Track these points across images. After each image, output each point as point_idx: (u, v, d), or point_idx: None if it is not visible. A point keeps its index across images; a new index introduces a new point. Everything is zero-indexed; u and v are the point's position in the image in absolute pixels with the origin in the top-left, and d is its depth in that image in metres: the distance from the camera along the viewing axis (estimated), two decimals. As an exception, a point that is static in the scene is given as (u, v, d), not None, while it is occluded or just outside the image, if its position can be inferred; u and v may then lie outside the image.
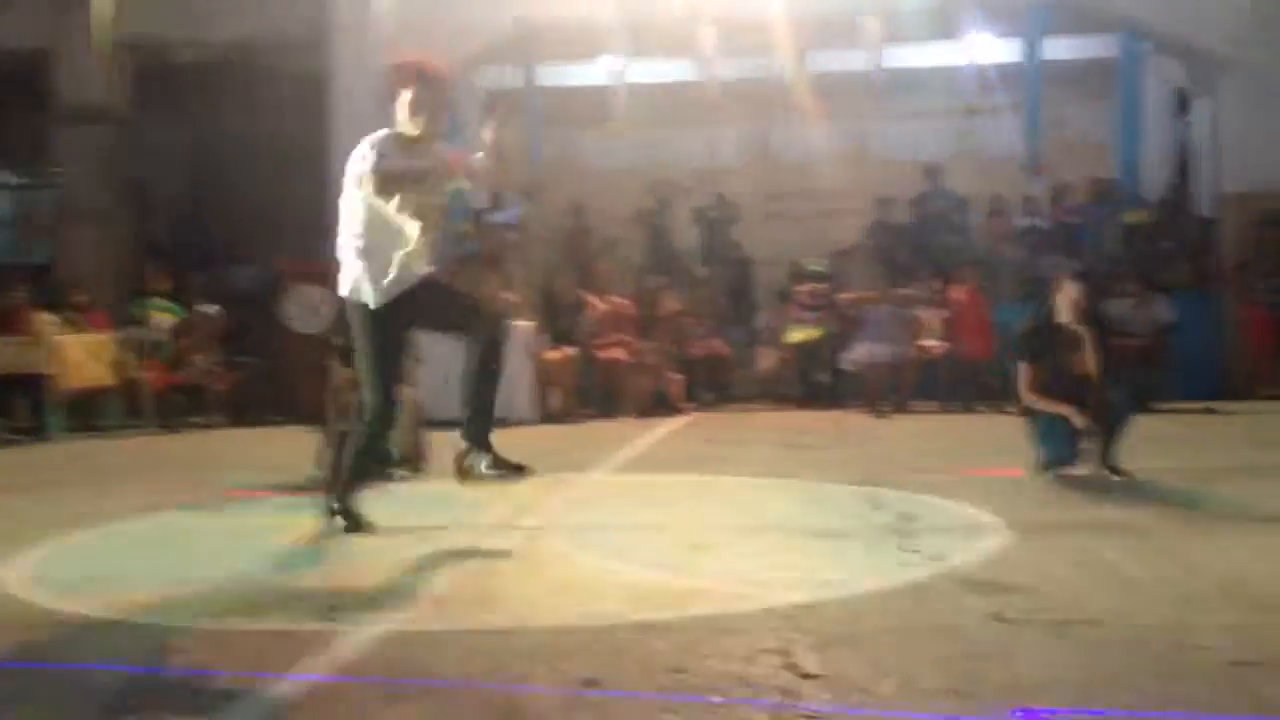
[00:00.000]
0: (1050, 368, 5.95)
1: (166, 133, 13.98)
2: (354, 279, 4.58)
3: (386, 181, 4.43)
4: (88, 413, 10.82)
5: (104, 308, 11.28)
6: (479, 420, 4.65)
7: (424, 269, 4.61)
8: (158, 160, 13.72)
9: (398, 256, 4.51)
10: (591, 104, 13.41)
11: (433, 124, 4.61)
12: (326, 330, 10.25)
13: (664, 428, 9.51)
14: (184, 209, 13.98)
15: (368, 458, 4.84)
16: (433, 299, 4.62)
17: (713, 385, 11.55)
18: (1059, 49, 12.55)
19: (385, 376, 4.65)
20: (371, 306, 4.53)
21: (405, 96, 4.56)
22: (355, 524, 4.69)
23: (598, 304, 11.29)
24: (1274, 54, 11.15)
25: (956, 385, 10.55)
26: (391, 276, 4.51)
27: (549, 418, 10.17)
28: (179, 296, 11.76)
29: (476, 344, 4.63)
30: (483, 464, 4.61)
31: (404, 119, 4.58)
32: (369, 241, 4.53)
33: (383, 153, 4.45)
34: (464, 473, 4.64)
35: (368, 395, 4.70)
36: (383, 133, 4.59)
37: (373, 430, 4.77)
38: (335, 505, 4.73)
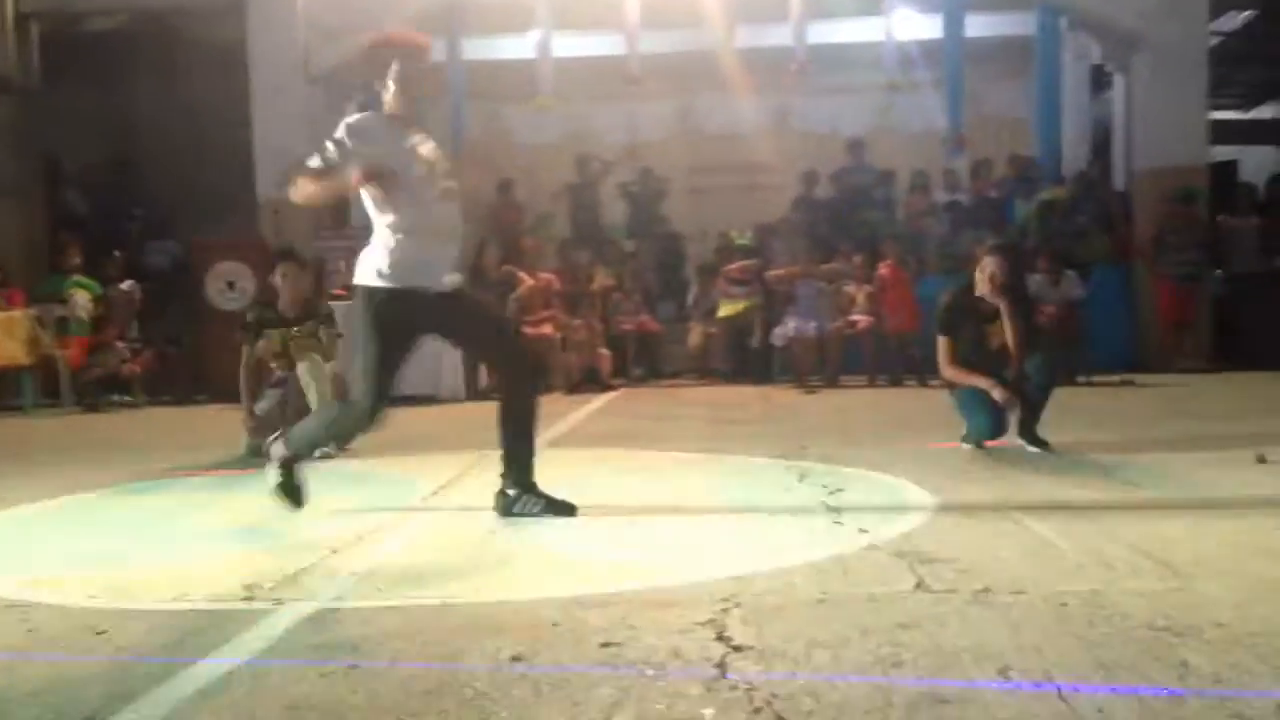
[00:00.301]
0: (969, 341, 6.03)
1: (79, 104, 13.61)
2: (367, 263, 4.27)
3: (301, 180, 4.22)
4: (3, 392, 10.57)
5: (18, 284, 10.99)
6: (516, 463, 4.41)
7: (450, 279, 4.35)
8: (70, 132, 13.35)
9: (419, 250, 4.24)
10: (518, 78, 13.30)
11: (412, 101, 4.38)
12: (244, 307, 10.14)
13: (594, 404, 9.51)
14: (99, 182, 13.63)
15: (331, 439, 4.75)
16: (454, 310, 4.35)
17: (642, 361, 11.57)
18: (978, 26, 12.71)
19: (379, 379, 4.27)
20: (379, 292, 4.21)
21: (391, 71, 4.31)
22: (292, 492, 4.44)
23: (527, 279, 11.23)
24: (1185, 30, 11.38)
25: (883, 359, 10.68)
26: (409, 267, 4.22)
27: (477, 394, 10.11)
28: (95, 272, 11.51)
29: (503, 380, 4.44)
30: (527, 505, 4.39)
31: (389, 98, 4.33)
32: (387, 228, 4.24)
33: (358, 134, 4.19)
34: (505, 511, 4.40)
35: (356, 393, 4.36)
36: (367, 114, 4.38)
37: (350, 428, 4.58)
38: (278, 459, 4.44)
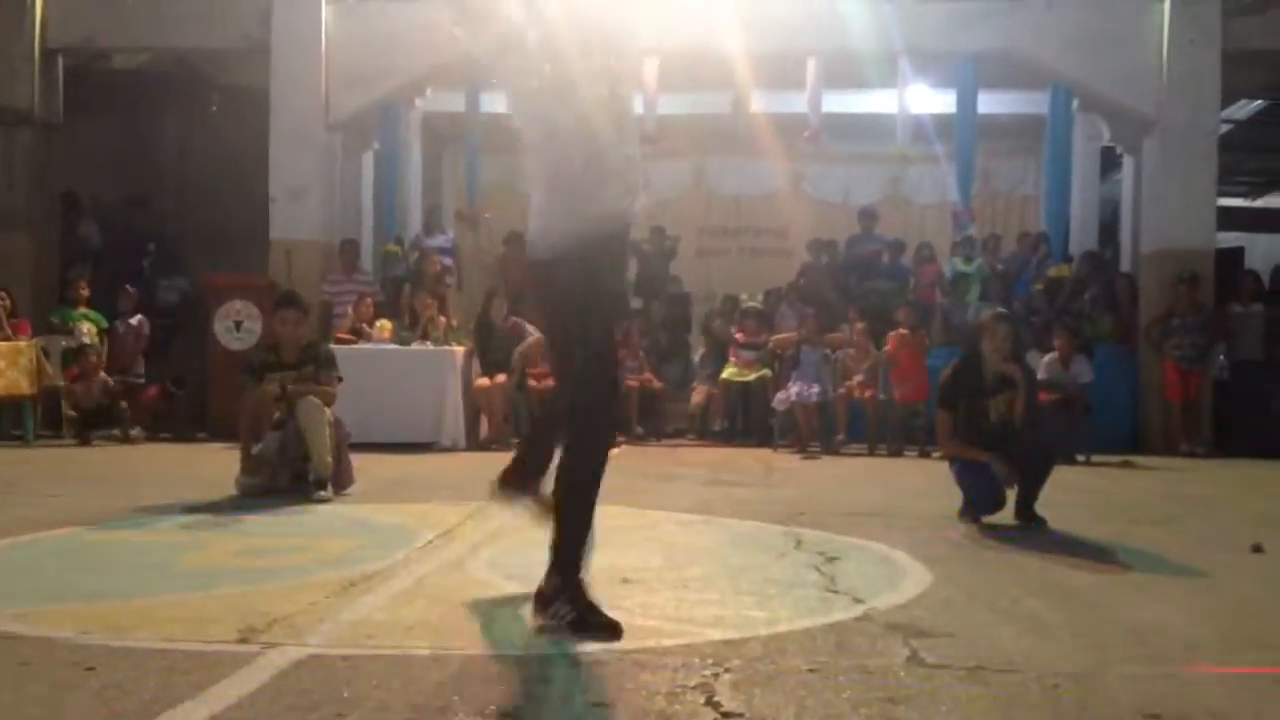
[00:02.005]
0: (969, 415, 6.04)
1: (99, 139, 13.76)
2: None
3: None
4: (6, 422, 10.58)
5: (26, 315, 11.05)
6: (528, 468, 4.26)
7: None
8: (89, 166, 13.48)
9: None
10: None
11: None
12: (249, 348, 10.18)
13: (592, 459, 9.47)
14: (114, 218, 13.74)
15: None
16: None
17: (644, 419, 11.57)
18: (991, 103, 12.84)
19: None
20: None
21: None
22: (594, 625, 3.40)
23: (534, 332, 11.25)
24: (1196, 116, 11.48)
25: (885, 429, 10.67)
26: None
27: (479, 445, 10.11)
28: (106, 306, 11.58)
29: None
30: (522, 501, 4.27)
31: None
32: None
33: None
34: (495, 496, 4.26)
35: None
36: None
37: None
38: (563, 600, 3.45)
